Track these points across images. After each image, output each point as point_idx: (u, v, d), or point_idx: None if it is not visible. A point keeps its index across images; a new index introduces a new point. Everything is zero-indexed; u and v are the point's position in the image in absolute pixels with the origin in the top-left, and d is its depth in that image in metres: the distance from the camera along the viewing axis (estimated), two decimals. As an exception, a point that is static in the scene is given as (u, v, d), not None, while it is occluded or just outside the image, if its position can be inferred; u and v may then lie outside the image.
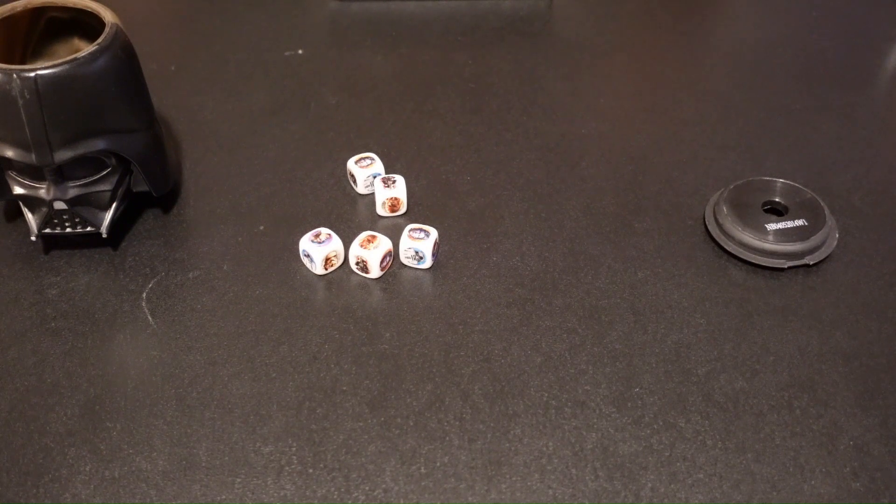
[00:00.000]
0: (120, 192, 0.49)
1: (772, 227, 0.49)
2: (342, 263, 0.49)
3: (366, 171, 0.53)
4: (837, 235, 0.50)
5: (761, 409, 0.42)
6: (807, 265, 0.49)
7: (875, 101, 0.64)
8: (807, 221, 0.49)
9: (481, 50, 0.69)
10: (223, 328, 0.46)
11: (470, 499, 0.38)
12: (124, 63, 0.45)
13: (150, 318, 0.46)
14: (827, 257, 0.50)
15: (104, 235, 0.48)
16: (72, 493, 0.38)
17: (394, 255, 0.50)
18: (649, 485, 0.38)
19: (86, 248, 0.50)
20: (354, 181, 0.54)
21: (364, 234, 0.48)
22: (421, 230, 0.49)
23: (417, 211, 0.53)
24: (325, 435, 0.40)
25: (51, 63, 0.42)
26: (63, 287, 0.48)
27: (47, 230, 0.48)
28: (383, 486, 0.38)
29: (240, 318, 0.46)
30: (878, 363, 0.44)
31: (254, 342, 0.45)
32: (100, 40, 0.44)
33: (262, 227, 0.52)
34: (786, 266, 0.48)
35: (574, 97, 0.64)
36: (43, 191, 0.46)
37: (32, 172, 0.46)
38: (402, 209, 0.53)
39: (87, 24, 0.50)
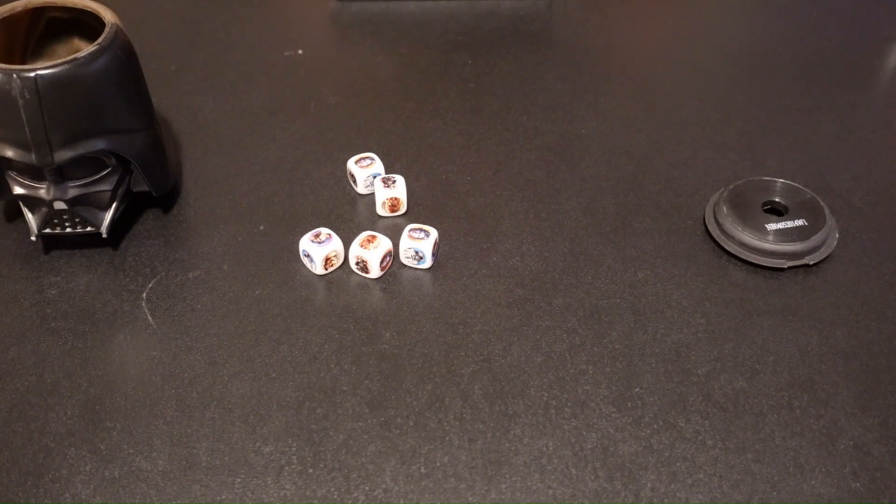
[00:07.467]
0: (120, 192, 0.49)
1: (772, 227, 0.49)
2: (342, 263, 0.49)
3: (366, 171, 0.53)
4: (837, 235, 0.50)
5: (761, 409, 0.42)
6: (807, 265, 0.49)
7: (875, 101, 0.64)
8: (807, 221, 0.49)
9: (481, 50, 0.69)
10: (223, 328, 0.46)
11: (470, 499, 0.38)
12: (124, 63, 0.45)
13: (150, 318, 0.46)
14: (827, 257, 0.50)
15: (104, 235, 0.48)
16: (72, 493, 0.38)
17: (394, 255, 0.50)
18: (649, 485, 0.38)
19: (86, 248, 0.50)
20: (354, 181, 0.54)
21: (364, 234, 0.48)
22: (421, 230, 0.49)
23: (417, 211, 0.53)
24: (325, 435, 0.40)
25: (51, 63, 0.42)
26: (63, 287, 0.48)
27: (47, 230, 0.48)
28: (383, 486, 0.38)
29: (240, 318, 0.46)
30: (878, 363, 0.44)
31: (254, 342, 0.45)
32: (100, 40, 0.44)
33: (262, 227, 0.52)
34: (786, 266, 0.48)
35: (574, 97, 0.64)
36: (43, 191, 0.46)
37: (32, 172, 0.46)
38: (402, 209, 0.53)
39: (87, 24, 0.50)
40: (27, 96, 0.41)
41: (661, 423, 0.41)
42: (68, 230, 0.48)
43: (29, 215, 0.48)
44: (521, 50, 0.69)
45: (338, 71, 0.67)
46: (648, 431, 0.41)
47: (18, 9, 0.47)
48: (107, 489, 0.38)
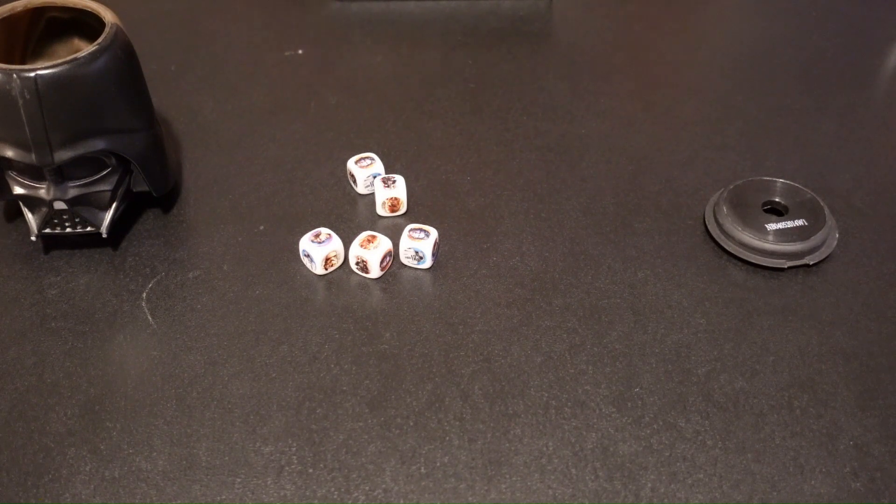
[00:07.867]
0: (120, 192, 0.49)
1: (772, 227, 0.49)
2: (342, 263, 0.49)
3: (366, 171, 0.53)
4: (837, 235, 0.50)
5: (761, 409, 0.42)
6: (807, 265, 0.49)
7: (875, 101, 0.64)
8: (807, 221, 0.49)
9: (481, 50, 0.69)
10: (223, 328, 0.46)
11: (470, 499, 0.38)
12: (124, 63, 0.45)
13: (150, 318, 0.46)
14: (827, 257, 0.50)
15: (104, 235, 0.48)
16: (72, 493, 0.38)
17: (394, 255, 0.50)
18: (649, 485, 0.38)
19: (86, 248, 0.50)
20: (354, 181, 0.54)
21: (364, 234, 0.48)
22: (421, 230, 0.49)
23: (417, 211, 0.53)
24: (325, 435, 0.40)
25: (51, 63, 0.42)
26: (63, 287, 0.48)
27: (47, 230, 0.48)
28: (383, 486, 0.38)
29: (240, 318, 0.46)
30: (878, 363, 0.44)
31: (254, 342, 0.45)
32: (100, 40, 0.44)
33: (262, 227, 0.52)
34: (786, 266, 0.48)
35: (574, 97, 0.64)
36: (43, 191, 0.46)
37: (32, 172, 0.46)
38: (402, 209, 0.53)
39: (87, 24, 0.50)
40: (27, 96, 0.41)
41: (661, 423, 0.41)
42: (68, 230, 0.48)
43: (29, 215, 0.48)
44: (521, 50, 0.69)
45: (338, 71, 0.67)
46: (648, 431, 0.41)
47: (18, 9, 0.47)
48: (107, 489, 0.38)
